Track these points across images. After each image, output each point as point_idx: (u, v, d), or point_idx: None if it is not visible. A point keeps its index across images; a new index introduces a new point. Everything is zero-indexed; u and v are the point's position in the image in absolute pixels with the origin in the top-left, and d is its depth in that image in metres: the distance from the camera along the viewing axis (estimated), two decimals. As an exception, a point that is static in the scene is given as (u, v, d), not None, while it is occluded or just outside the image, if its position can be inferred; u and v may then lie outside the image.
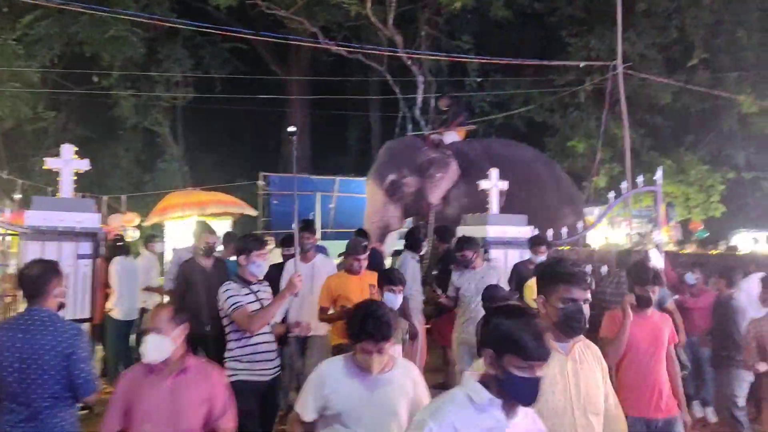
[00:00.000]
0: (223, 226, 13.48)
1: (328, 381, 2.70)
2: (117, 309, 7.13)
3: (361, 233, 6.78)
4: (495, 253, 7.10)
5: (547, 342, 1.95)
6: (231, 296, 3.94)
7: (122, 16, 13.07)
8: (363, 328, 2.65)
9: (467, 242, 5.97)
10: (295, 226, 4.74)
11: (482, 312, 4.98)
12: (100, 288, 6.69)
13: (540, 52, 16.47)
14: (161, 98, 15.53)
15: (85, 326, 6.08)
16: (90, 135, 15.51)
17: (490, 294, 4.67)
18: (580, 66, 12.67)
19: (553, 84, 15.72)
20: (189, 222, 12.94)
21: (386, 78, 15.45)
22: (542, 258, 6.09)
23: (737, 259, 7.21)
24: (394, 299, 4.27)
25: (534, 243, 6.34)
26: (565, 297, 2.40)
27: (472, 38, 16.15)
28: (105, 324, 7.05)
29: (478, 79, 15.63)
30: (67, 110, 15.39)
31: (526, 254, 7.26)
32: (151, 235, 8.96)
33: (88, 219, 6.09)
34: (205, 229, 5.58)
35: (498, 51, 15.65)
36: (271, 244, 12.31)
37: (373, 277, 4.68)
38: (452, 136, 9.55)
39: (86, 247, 6.05)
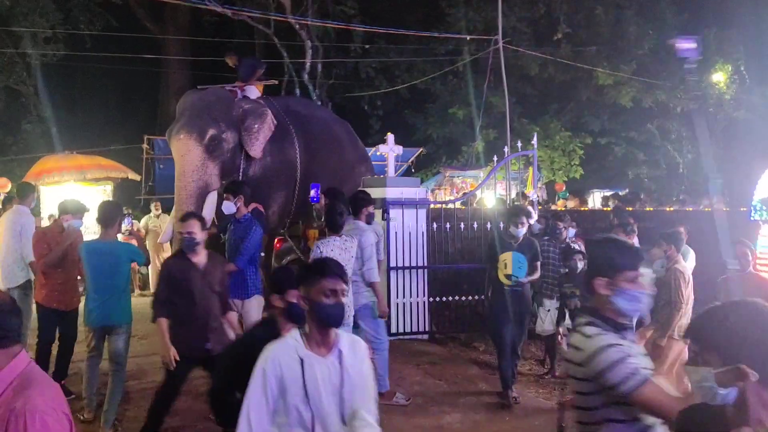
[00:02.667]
0: (103, 192, 13.04)
1: None
2: None
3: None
4: (394, 213, 7.66)
5: None
6: (625, 356, 2.13)
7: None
8: None
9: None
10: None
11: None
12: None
13: (422, 20, 17.15)
14: (27, 55, 14.39)
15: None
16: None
17: None
18: (468, 39, 13.42)
19: (434, 53, 16.50)
20: (67, 187, 12.37)
21: (271, 41, 15.37)
22: (522, 230, 5.59)
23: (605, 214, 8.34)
24: None
25: (514, 214, 5.77)
26: None
27: (356, 4, 16.43)
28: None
29: (366, 46, 16.00)
30: None
31: (422, 214, 7.94)
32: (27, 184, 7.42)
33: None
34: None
35: (381, 17, 16.12)
36: (158, 210, 12.17)
37: None
38: (254, 92, 8.98)
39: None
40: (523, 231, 5.61)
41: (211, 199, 7.75)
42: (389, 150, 8.14)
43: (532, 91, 17.24)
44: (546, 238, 6.54)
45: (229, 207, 5.68)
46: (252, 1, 15.19)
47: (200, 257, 4.14)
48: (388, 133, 8.21)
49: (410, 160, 14.88)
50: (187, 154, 7.59)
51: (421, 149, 15.10)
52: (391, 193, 7.75)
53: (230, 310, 4.41)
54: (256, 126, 8.06)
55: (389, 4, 17.25)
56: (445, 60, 16.63)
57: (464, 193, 8.43)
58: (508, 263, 5.40)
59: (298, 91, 15.57)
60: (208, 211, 7.74)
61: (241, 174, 8.14)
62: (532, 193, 8.64)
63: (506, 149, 8.65)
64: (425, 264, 7.92)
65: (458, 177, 15.32)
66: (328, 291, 2.32)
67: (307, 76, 14.89)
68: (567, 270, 5.95)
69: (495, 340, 5.86)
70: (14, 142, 15.96)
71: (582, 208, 11.02)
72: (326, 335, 2.36)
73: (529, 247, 5.74)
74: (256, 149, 8.10)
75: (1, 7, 13.03)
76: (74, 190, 12.36)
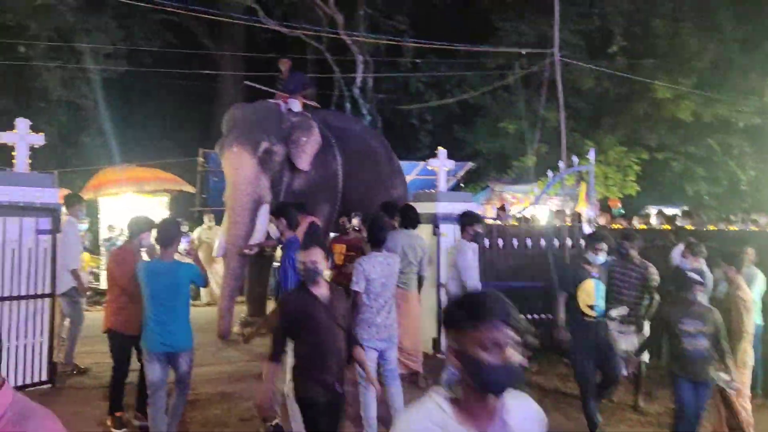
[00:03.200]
0: (160, 204, 13.33)
1: None
2: None
3: None
4: (444, 228, 7.54)
5: None
6: None
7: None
8: None
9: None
10: None
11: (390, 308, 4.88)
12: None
13: (472, 35, 17.08)
14: (88, 70, 14.93)
15: (47, 302, 6.07)
16: (10, 108, 14.71)
17: None
18: (523, 53, 13.26)
19: (484, 67, 16.38)
20: (125, 199, 12.70)
21: (322, 56, 15.55)
22: (602, 258, 5.10)
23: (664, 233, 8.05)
24: None
25: (595, 240, 5.21)
26: None
27: (407, 19, 16.48)
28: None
29: (418, 60, 16.01)
30: (-13, 82, 14.53)
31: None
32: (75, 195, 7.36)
33: (47, 194, 6.06)
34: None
35: (432, 32, 16.11)
36: (211, 222, 12.36)
37: None
38: (296, 105, 8.86)
39: (46, 222, 6.02)
40: (602, 258, 5.12)
41: (264, 212, 7.76)
42: (440, 164, 8.05)
43: (584, 105, 16.88)
44: (613, 258, 6.24)
45: (275, 231, 5.66)
46: (305, 18, 15.42)
47: (322, 289, 3.68)
48: (439, 147, 8.13)
49: (459, 175, 14.75)
50: (240, 167, 7.65)
51: (470, 163, 14.95)
52: (442, 208, 7.64)
53: (357, 344, 4.02)
54: (303, 139, 8.09)
55: (439, 18, 17.25)
56: (495, 74, 16.49)
57: (506, 210, 8.19)
58: (591, 292, 4.98)
59: (348, 106, 15.69)
60: (262, 225, 7.81)
61: (285, 187, 8.19)
62: (589, 211, 8.37)
63: (561, 164, 8.43)
64: (477, 281, 7.76)
65: (508, 192, 15.10)
66: (488, 343, 1.62)
67: (358, 91, 14.96)
68: (681, 301, 4.75)
69: (580, 379, 5.23)
70: (75, 154, 16.51)
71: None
72: (485, 403, 1.67)
73: (608, 274, 5.36)
74: (303, 162, 8.09)
75: (65, 24, 13.55)
76: (132, 201, 12.67)
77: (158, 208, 13.15)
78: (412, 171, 14.94)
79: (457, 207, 7.72)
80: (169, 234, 4.62)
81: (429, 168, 8.13)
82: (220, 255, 7.97)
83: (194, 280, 4.70)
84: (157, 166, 13.86)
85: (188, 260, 5.04)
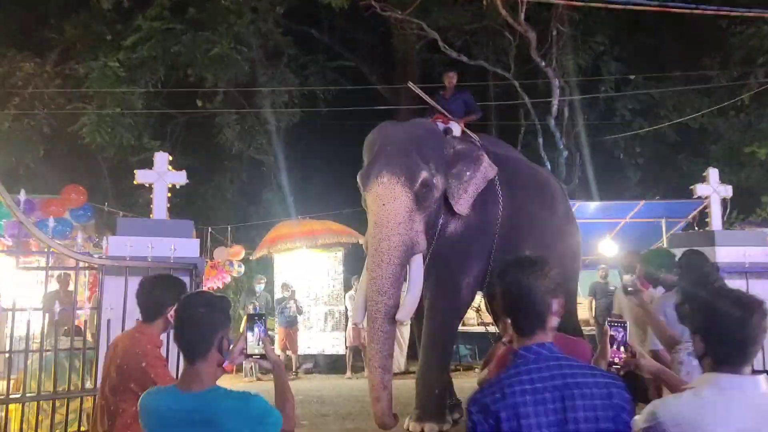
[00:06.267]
0: (334, 258, 12.18)
1: None
2: None
3: None
4: (732, 284, 5.02)
5: None
6: None
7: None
8: None
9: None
10: None
11: None
12: None
13: (685, 51, 14.20)
14: (267, 122, 14.57)
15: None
16: (196, 165, 14.70)
17: None
18: None
19: (710, 83, 13.45)
20: (298, 254, 11.71)
21: (507, 83, 13.69)
22: None
23: None
24: None
25: None
26: None
27: (606, 39, 14.11)
28: None
29: (631, 76, 13.49)
30: (172, 139, 14.72)
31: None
32: None
33: (185, 246, 4.62)
34: None
35: (636, 53, 13.57)
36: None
37: None
38: (457, 130, 7.05)
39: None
40: None
41: (418, 263, 5.72)
42: (712, 191, 5.57)
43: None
44: None
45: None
46: (488, 45, 13.76)
47: None
48: (709, 168, 5.68)
49: (691, 215, 11.80)
50: (391, 203, 5.69)
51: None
52: (724, 254, 5.15)
53: None
54: (468, 173, 6.17)
55: (644, 37, 14.58)
56: (724, 89, 13.44)
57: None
58: None
59: (540, 140, 13.54)
60: (416, 280, 5.72)
61: (437, 232, 6.09)
62: None
63: None
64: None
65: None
66: None
67: (554, 121, 12.78)
68: None
69: None
70: (255, 210, 16.28)
71: None
72: None
73: None
74: (463, 204, 6.12)
75: (242, 76, 13.32)
76: (305, 256, 11.70)
77: (332, 264, 12.03)
78: (626, 213, 12.29)
79: (750, 252, 5.18)
80: (202, 334, 2.06)
81: (695, 197, 5.68)
82: (358, 319, 6.07)
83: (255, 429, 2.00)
84: (331, 218, 12.86)
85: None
